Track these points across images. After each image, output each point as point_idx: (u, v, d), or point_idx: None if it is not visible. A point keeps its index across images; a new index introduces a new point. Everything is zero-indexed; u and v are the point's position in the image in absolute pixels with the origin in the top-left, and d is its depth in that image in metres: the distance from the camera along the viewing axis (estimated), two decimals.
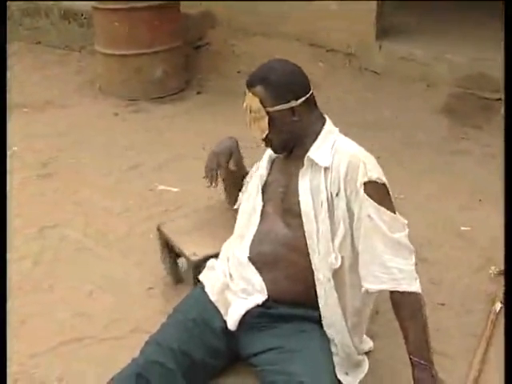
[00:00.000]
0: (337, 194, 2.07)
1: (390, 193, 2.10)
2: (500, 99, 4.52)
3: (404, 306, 2.02)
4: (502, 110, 4.45)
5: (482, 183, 3.71)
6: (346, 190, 2.06)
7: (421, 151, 4.17)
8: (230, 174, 2.51)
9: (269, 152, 2.34)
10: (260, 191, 2.28)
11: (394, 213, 2.07)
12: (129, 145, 4.47)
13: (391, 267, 2.01)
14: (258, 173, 2.36)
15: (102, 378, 2.32)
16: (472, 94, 4.80)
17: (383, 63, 5.32)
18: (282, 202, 2.19)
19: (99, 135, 4.65)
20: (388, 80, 5.18)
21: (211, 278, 2.30)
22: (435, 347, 2.42)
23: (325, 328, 2.15)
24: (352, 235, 2.10)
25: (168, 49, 5.39)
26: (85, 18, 6.27)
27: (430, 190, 3.65)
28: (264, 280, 2.15)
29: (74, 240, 3.31)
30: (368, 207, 2.02)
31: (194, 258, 2.58)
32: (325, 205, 2.08)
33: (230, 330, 2.15)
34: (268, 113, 2.13)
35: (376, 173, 2.06)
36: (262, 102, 2.12)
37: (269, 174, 2.31)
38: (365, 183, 2.03)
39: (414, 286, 2.02)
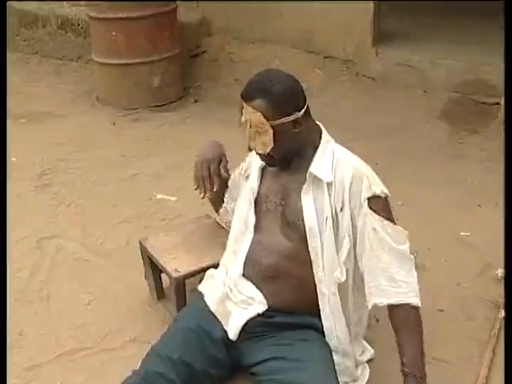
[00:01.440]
0: (341, 209, 2.07)
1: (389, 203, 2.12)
2: (497, 103, 4.52)
3: (406, 319, 2.02)
4: (500, 114, 4.45)
5: (481, 188, 3.70)
6: (350, 203, 2.06)
7: (419, 157, 4.17)
8: (222, 180, 2.43)
9: (257, 161, 2.27)
10: (252, 206, 2.23)
11: (395, 224, 2.08)
12: (127, 154, 4.46)
13: (399, 280, 2.02)
14: (247, 185, 2.29)
15: None
16: (469, 98, 4.81)
17: (380, 69, 5.32)
18: (282, 216, 2.16)
19: (97, 145, 4.64)
20: (385, 86, 5.18)
21: (211, 288, 2.30)
22: (434, 353, 2.43)
23: (327, 339, 2.15)
24: (355, 249, 2.10)
25: (165, 57, 5.38)
26: (82, 28, 6.28)
27: (429, 196, 3.64)
28: (264, 293, 2.15)
29: (72, 251, 3.30)
30: (372, 221, 2.03)
31: (175, 275, 2.56)
32: (329, 221, 2.07)
33: (230, 340, 2.14)
34: (272, 126, 2.05)
35: (379, 186, 2.08)
36: (264, 116, 2.03)
37: (260, 185, 2.25)
38: (368, 198, 2.04)
39: (418, 300, 2.03)
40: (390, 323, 2.08)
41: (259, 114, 2.03)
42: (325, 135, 2.18)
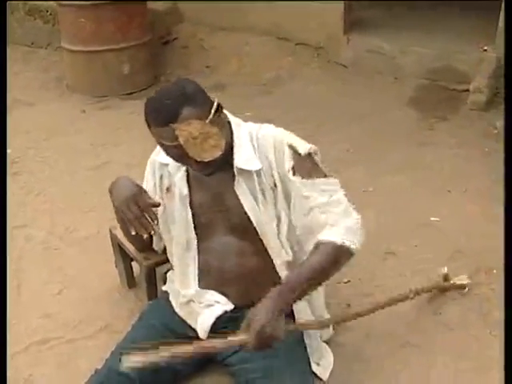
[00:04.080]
0: (275, 185, 2.04)
1: (317, 157, 2.07)
2: (467, 90, 4.55)
3: (320, 250, 1.92)
4: (469, 101, 4.49)
5: (451, 174, 3.72)
6: (280, 178, 2.03)
7: (389, 143, 4.18)
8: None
9: (180, 175, 2.14)
10: (191, 225, 2.13)
11: (325, 175, 2.05)
12: (97, 142, 4.42)
13: (331, 226, 1.96)
14: (176, 202, 2.14)
15: (72, 379, 2.32)
16: (439, 85, 4.83)
17: (351, 56, 5.33)
18: (225, 221, 2.09)
19: (66, 133, 4.60)
20: (356, 73, 5.20)
21: (173, 291, 2.28)
22: (406, 337, 2.46)
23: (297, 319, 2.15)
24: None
25: (135, 45, 5.34)
26: (50, 15, 6.20)
27: (399, 182, 3.66)
28: (228, 296, 2.13)
29: (41, 240, 3.28)
30: (302, 188, 1.99)
31: (146, 263, 2.55)
32: (264, 205, 2.05)
33: (199, 338, 2.12)
34: (211, 123, 1.90)
35: (302, 147, 2.02)
36: (200, 118, 1.88)
37: (191, 199, 2.13)
38: (293, 167, 2.00)
39: (346, 241, 1.93)
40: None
41: (195, 121, 1.87)
42: (232, 119, 2.08)
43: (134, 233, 2.00)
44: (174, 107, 1.86)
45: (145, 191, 2.05)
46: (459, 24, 5.40)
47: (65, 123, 4.79)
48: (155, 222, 2.02)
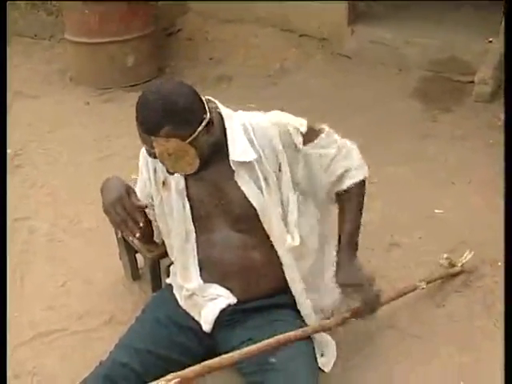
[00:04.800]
0: (279, 169, 2.05)
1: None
2: (472, 82, 4.53)
3: (352, 193, 2.15)
4: (474, 93, 4.47)
5: (455, 166, 3.71)
6: (286, 158, 2.05)
7: (393, 134, 4.16)
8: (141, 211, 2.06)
9: None
10: (189, 217, 2.11)
11: (321, 130, 2.14)
12: (100, 134, 4.41)
13: (351, 171, 2.15)
14: (172, 194, 2.13)
15: (76, 371, 2.31)
16: (443, 77, 4.81)
17: (355, 48, 5.31)
18: (227, 214, 2.07)
19: (70, 125, 4.59)
20: (360, 64, 5.17)
21: (177, 284, 2.27)
22: (409, 329, 2.46)
23: (301, 311, 2.16)
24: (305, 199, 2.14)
25: (139, 36, 5.31)
26: (54, 6, 6.18)
27: (403, 174, 3.65)
28: (231, 290, 2.13)
29: (45, 232, 3.28)
30: (315, 152, 2.09)
31: (150, 255, 2.56)
32: (271, 190, 2.05)
33: (203, 331, 2.13)
34: (190, 143, 1.90)
35: (302, 125, 2.09)
36: (180, 139, 1.88)
37: (188, 191, 2.10)
38: (303, 141, 2.07)
39: (364, 173, 2.18)
40: None
41: (173, 140, 1.88)
42: (223, 110, 2.06)
43: (119, 235, 2.01)
44: (158, 122, 1.87)
45: (133, 191, 2.03)
46: (464, 15, 5.36)
47: (68, 115, 4.78)
48: (140, 225, 1.98)
